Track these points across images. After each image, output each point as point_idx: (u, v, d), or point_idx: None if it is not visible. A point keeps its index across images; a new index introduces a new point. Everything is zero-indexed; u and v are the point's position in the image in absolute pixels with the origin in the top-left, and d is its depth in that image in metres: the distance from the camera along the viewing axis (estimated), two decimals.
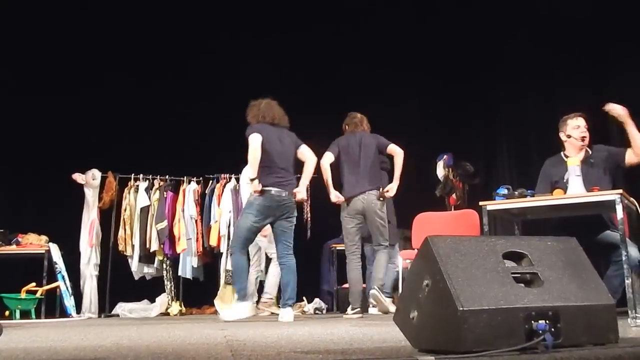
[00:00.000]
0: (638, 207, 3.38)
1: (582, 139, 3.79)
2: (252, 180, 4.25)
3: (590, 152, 3.81)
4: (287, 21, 6.89)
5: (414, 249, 4.87)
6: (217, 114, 6.64)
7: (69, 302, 5.88)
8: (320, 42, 6.85)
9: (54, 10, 6.33)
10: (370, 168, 4.78)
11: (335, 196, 4.76)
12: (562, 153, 3.90)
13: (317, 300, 6.22)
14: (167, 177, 6.52)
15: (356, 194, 4.71)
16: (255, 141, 4.21)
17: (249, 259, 4.88)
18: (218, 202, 6.43)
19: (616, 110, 3.61)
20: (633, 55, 5.02)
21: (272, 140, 4.30)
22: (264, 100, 4.49)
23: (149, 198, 6.31)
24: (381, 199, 4.75)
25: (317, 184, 6.93)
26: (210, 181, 6.66)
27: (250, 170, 4.24)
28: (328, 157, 4.76)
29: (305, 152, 4.51)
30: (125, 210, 6.27)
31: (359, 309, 4.58)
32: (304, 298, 6.27)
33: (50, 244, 5.99)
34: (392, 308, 4.56)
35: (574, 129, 3.81)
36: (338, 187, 4.86)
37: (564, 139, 3.87)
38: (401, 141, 6.64)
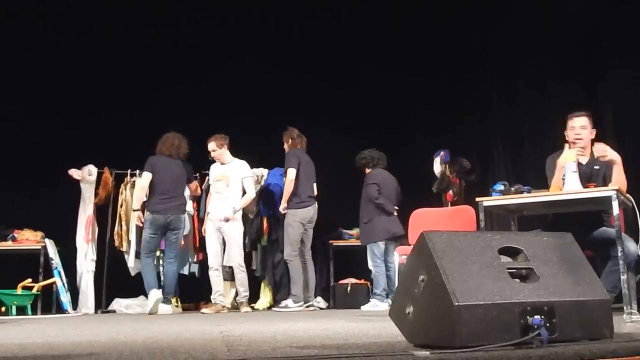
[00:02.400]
0: (634, 203, 3.38)
1: (574, 141, 3.67)
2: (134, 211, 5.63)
3: (595, 156, 3.62)
4: (287, 21, 6.87)
5: (410, 245, 4.87)
6: (214, 110, 6.63)
7: (65, 298, 5.87)
8: (313, 42, 6.85)
9: (53, 7, 6.31)
10: (314, 185, 5.66)
11: (284, 208, 5.57)
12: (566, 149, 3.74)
13: (318, 298, 6.24)
14: None
15: (311, 203, 5.55)
16: (143, 180, 5.51)
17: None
18: None
19: (608, 155, 3.47)
20: (626, 50, 5.02)
21: (161, 170, 5.43)
22: (164, 135, 5.55)
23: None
24: None
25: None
26: (207, 177, 6.64)
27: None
28: (295, 172, 5.50)
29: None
30: (121, 206, 6.25)
31: (304, 302, 5.47)
32: None
33: (46, 240, 5.97)
34: None
35: (570, 130, 3.73)
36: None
37: (567, 138, 3.76)
38: (398, 138, 6.69)
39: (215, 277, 5.48)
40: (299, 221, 5.47)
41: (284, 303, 5.55)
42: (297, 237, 5.50)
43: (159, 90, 6.65)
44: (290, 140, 5.71)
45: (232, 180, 5.55)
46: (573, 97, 5.26)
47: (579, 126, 3.70)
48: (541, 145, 5.15)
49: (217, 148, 5.57)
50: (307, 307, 5.54)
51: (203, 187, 6.53)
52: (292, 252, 5.48)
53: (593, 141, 3.75)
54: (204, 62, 6.90)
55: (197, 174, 6.67)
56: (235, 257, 5.53)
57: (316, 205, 5.64)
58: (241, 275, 5.52)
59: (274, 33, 6.91)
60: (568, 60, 5.51)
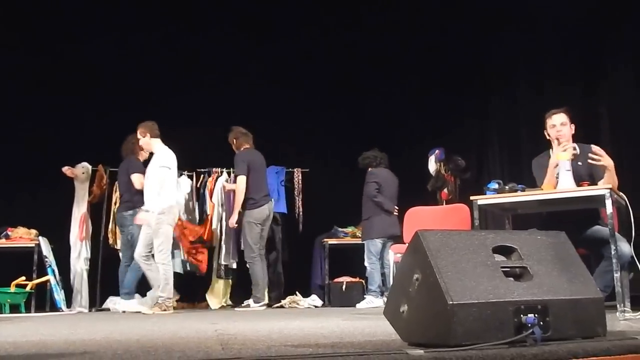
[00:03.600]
0: (627, 202, 3.40)
1: (557, 138, 3.65)
2: None
3: (577, 151, 3.60)
4: (289, 24, 6.85)
5: (404, 243, 4.88)
6: (210, 109, 6.62)
7: (59, 296, 5.85)
8: (315, 44, 6.85)
9: (53, 6, 6.29)
10: (267, 182, 5.71)
11: (235, 221, 5.58)
12: (549, 151, 3.78)
13: (313, 296, 6.25)
14: None
15: (265, 202, 5.55)
16: None
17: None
18: (210, 196, 6.41)
19: (603, 160, 3.43)
20: (625, 50, 5.03)
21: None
22: None
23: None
24: None
25: (310, 181, 6.97)
26: (202, 175, 6.65)
27: None
28: (245, 180, 5.47)
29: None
30: (115, 203, 6.23)
31: (266, 302, 5.57)
32: (297, 292, 6.28)
33: (40, 238, 5.95)
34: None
35: (550, 128, 3.70)
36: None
37: (548, 137, 3.76)
38: (396, 136, 6.70)
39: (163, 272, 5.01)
40: (253, 222, 5.48)
41: (245, 303, 5.64)
42: (255, 237, 5.50)
43: (156, 88, 6.63)
44: (235, 141, 5.67)
45: (147, 172, 5.12)
46: (571, 97, 5.27)
47: (560, 123, 3.67)
48: (538, 145, 5.15)
49: (140, 136, 5.18)
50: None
51: (199, 186, 6.52)
52: (252, 254, 5.50)
53: (574, 136, 3.72)
54: (202, 62, 6.88)
55: (193, 172, 6.68)
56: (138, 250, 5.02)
57: (271, 204, 5.67)
58: (147, 273, 5.00)
59: (275, 36, 6.88)
60: (566, 60, 5.53)
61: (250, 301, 5.53)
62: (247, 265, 5.58)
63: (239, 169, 5.52)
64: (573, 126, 3.74)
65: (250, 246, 5.50)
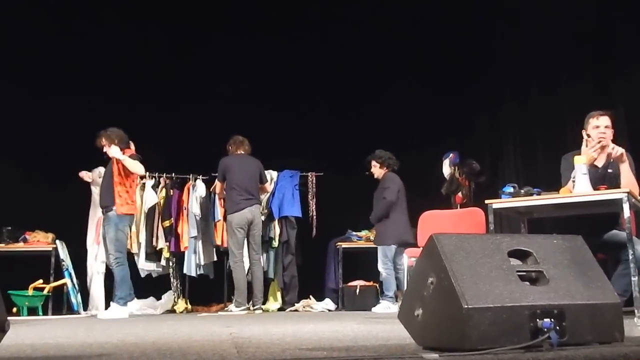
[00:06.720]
0: None
1: (599, 140, 3.56)
2: None
3: (612, 155, 3.52)
4: (297, 24, 6.87)
5: (419, 247, 4.86)
6: (224, 115, 6.65)
7: (76, 299, 5.91)
8: (325, 46, 6.85)
9: (60, 12, 6.38)
10: (254, 185, 5.62)
11: None
12: (581, 149, 3.66)
13: (327, 300, 6.24)
14: (172, 175, 6.55)
15: (247, 205, 5.49)
16: None
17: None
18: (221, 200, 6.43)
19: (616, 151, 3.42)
20: (638, 47, 4.97)
21: None
22: None
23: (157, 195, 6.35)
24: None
25: (324, 185, 6.97)
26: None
27: None
28: (219, 186, 5.73)
29: None
30: None
31: (247, 306, 5.47)
32: (311, 296, 6.28)
33: (57, 242, 6.01)
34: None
35: (594, 128, 3.61)
36: None
37: (585, 137, 3.65)
38: (407, 139, 6.68)
39: None
40: (234, 228, 5.48)
41: (228, 308, 5.72)
42: (237, 243, 5.50)
43: (170, 94, 6.69)
44: (229, 148, 5.76)
45: None
46: (585, 97, 5.21)
47: (604, 125, 3.60)
48: (552, 146, 5.10)
49: None
50: (255, 309, 5.48)
51: (211, 190, 6.56)
52: (234, 259, 5.54)
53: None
54: (215, 69, 6.93)
55: (202, 177, 6.72)
56: None
57: (255, 207, 5.57)
58: None
59: (281, 37, 6.91)
60: (579, 59, 5.47)
61: (232, 306, 5.58)
62: (231, 269, 5.64)
63: (218, 174, 5.71)
64: (612, 132, 3.66)
65: (232, 251, 5.56)
